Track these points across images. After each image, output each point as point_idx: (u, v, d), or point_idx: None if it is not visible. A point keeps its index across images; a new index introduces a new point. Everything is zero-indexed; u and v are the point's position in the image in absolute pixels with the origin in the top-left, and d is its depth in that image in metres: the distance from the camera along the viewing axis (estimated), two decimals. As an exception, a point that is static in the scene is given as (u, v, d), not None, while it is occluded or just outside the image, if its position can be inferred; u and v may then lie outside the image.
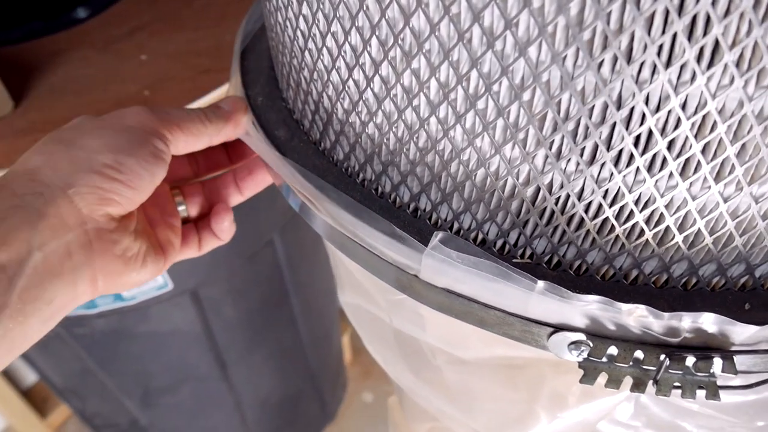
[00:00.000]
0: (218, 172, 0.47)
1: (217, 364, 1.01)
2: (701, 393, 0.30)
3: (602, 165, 0.27)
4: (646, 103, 0.25)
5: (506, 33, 0.25)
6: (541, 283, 0.29)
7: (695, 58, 0.23)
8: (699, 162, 0.26)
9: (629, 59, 0.24)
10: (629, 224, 0.29)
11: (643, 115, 0.25)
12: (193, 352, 0.97)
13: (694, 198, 0.27)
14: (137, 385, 1.02)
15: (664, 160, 0.26)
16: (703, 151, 0.26)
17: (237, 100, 0.41)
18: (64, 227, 0.33)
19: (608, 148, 0.26)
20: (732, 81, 0.23)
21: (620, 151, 0.26)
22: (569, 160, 0.27)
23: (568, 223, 0.30)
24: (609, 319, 0.29)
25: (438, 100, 0.29)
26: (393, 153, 0.33)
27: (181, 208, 0.45)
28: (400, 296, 0.36)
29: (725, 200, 0.27)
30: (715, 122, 0.25)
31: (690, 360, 0.29)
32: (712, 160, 0.26)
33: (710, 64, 0.23)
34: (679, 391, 0.31)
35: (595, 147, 0.27)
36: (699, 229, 0.28)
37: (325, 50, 0.33)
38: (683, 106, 0.24)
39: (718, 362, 0.29)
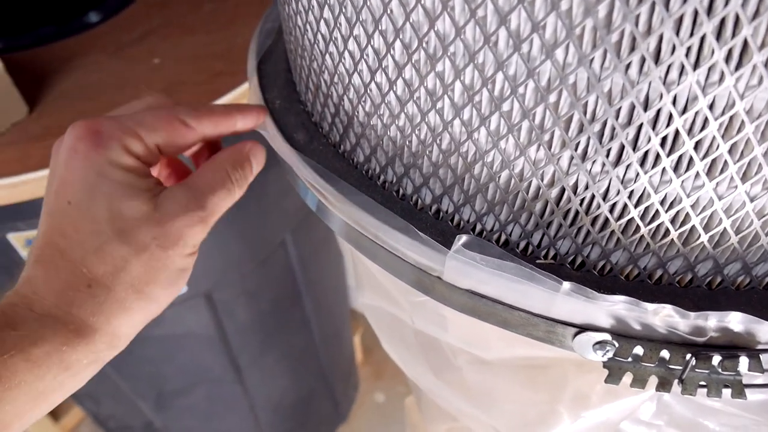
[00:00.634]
0: None
1: (231, 367, 1.02)
2: (727, 392, 0.31)
3: (628, 166, 0.27)
4: (674, 104, 0.25)
5: (533, 36, 0.25)
6: (566, 284, 0.29)
7: (724, 59, 0.23)
8: (726, 162, 0.26)
9: (657, 61, 0.24)
10: (654, 224, 0.29)
11: (671, 116, 0.25)
12: (207, 354, 0.98)
13: (720, 198, 0.27)
14: (151, 387, 1.02)
15: (691, 160, 0.26)
16: (730, 151, 0.26)
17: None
18: None
19: (634, 149, 0.26)
20: (761, 81, 0.23)
21: (646, 152, 0.26)
22: (595, 161, 0.27)
23: (593, 224, 0.30)
24: (634, 319, 0.29)
25: (462, 103, 0.29)
26: (415, 155, 0.33)
27: None
28: (423, 298, 0.36)
29: (752, 200, 0.27)
30: (743, 122, 0.25)
31: (716, 359, 0.29)
32: (739, 160, 0.26)
33: (738, 65, 0.23)
34: (705, 390, 0.31)
35: (622, 148, 0.27)
36: (725, 229, 0.28)
37: (347, 53, 0.33)
38: (711, 107, 0.24)
39: (744, 361, 0.29)
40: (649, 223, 0.29)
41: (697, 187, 0.27)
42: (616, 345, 0.30)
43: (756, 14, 0.22)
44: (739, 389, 0.30)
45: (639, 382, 0.31)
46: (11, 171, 0.61)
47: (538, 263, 0.32)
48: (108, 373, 0.97)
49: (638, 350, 0.30)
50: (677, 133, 0.25)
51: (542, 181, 0.29)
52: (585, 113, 0.26)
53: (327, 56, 0.35)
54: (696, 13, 0.22)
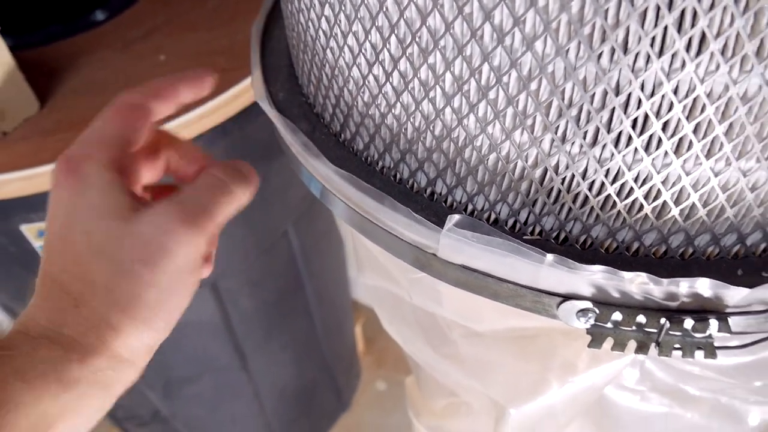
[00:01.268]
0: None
1: (237, 355, 1.04)
2: (699, 353, 0.33)
3: (603, 146, 0.30)
4: (642, 89, 0.27)
5: (515, 30, 0.28)
6: (550, 257, 0.32)
7: (684, 47, 0.26)
8: (691, 141, 0.29)
9: (626, 50, 0.27)
10: (629, 200, 0.31)
11: (640, 100, 0.28)
12: (213, 343, 1.00)
13: (687, 174, 0.30)
14: (159, 376, 1.05)
15: (660, 140, 0.29)
16: (695, 131, 0.28)
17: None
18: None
19: (608, 131, 0.29)
20: (718, 67, 0.26)
21: (619, 133, 0.29)
22: (573, 143, 0.30)
23: (574, 201, 0.33)
24: (613, 287, 0.32)
25: (453, 92, 0.32)
26: (410, 142, 0.36)
27: None
28: (420, 274, 0.39)
29: (716, 175, 0.30)
30: (704, 105, 0.27)
31: (688, 322, 0.32)
32: (702, 138, 0.28)
33: (698, 53, 0.26)
34: (680, 352, 0.33)
35: (597, 130, 0.29)
36: (693, 203, 0.31)
37: (346, 48, 0.36)
38: (675, 91, 0.27)
39: (714, 323, 0.32)
40: (625, 198, 0.31)
41: (666, 164, 0.30)
42: (597, 312, 0.33)
43: (711, 6, 0.25)
44: (711, 351, 0.33)
45: (619, 346, 0.34)
46: (24, 164, 0.63)
47: (525, 239, 0.34)
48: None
49: (617, 316, 0.33)
50: (646, 115, 0.28)
51: (527, 162, 0.32)
52: (563, 99, 0.29)
53: (328, 51, 0.38)
54: (658, 7, 0.25)
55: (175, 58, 0.75)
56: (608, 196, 0.32)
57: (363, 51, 0.35)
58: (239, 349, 1.03)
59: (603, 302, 0.33)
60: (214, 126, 0.69)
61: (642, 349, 0.34)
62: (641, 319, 0.33)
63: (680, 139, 0.29)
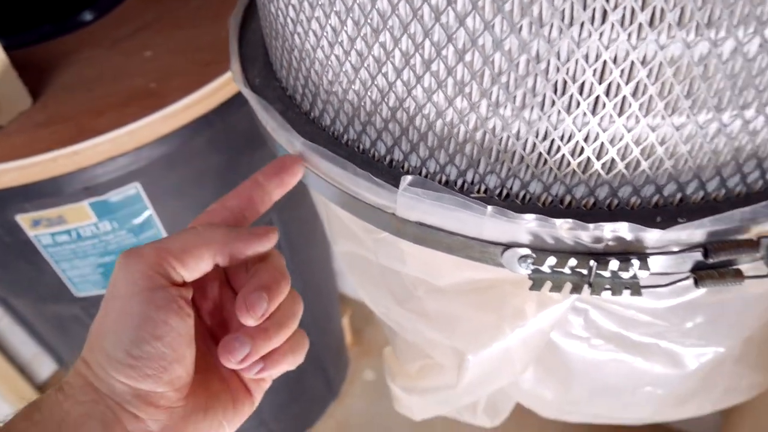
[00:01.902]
0: None
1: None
2: (627, 292, 0.38)
3: (531, 109, 0.34)
4: (558, 57, 0.32)
5: (448, 9, 0.32)
6: (490, 208, 0.36)
7: (589, 19, 0.30)
8: (604, 101, 0.33)
9: (541, 24, 0.31)
10: (558, 156, 0.36)
11: (558, 67, 0.32)
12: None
13: (604, 131, 0.34)
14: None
15: (578, 101, 0.33)
16: (606, 92, 0.33)
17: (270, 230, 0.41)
18: None
19: (534, 95, 0.34)
20: (618, 36, 0.31)
21: (544, 97, 0.34)
22: (506, 107, 0.35)
23: (511, 160, 0.37)
24: (547, 234, 0.37)
25: (401, 66, 0.36)
26: (369, 114, 0.41)
27: None
28: (383, 234, 0.43)
29: (629, 131, 0.34)
30: (611, 69, 0.32)
31: (614, 263, 0.37)
32: (613, 98, 0.33)
33: (602, 23, 0.31)
34: (610, 292, 0.38)
35: (524, 95, 0.34)
36: (613, 158, 0.36)
37: (311, 33, 0.40)
38: (586, 58, 0.32)
39: (636, 263, 0.36)
40: (554, 155, 0.36)
41: (586, 123, 0.34)
42: (535, 257, 0.38)
43: (608, -16, 0.29)
44: (637, 289, 0.38)
45: (557, 288, 0.38)
46: (19, 154, 0.67)
47: (472, 197, 0.39)
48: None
49: (552, 261, 0.37)
50: (564, 80, 0.33)
51: (468, 126, 0.37)
52: (493, 68, 0.34)
53: (296, 36, 0.42)
54: (565, -14, 0.30)
55: (161, 53, 0.79)
56: (540, 154, 0.36)
57: (325, 34, 0.39)
58: (229, 335, 1.07)
59: (540, 248, 0.38)
60: (197, 117, 0.73)
61: (576, 289, 0.38)
62: (573, 262, 0.37)
63: (596, 99, 0.33)
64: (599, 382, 0.53)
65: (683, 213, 0.38)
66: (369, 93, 0.39)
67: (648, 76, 0.32)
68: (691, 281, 0.38)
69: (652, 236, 0.36)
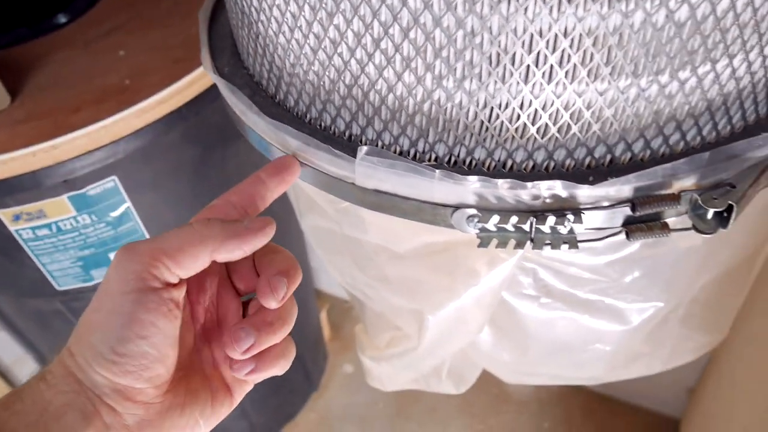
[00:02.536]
0: None
1: (206, 332, 1.12)
2: (565, 246, 0.42)
3: (471, 80, 0.38)
4: (490, 31, 0.36)
5: (392, -10, 0.36)
6: (438, 172, 0.40)
7: (515, -4, 0.35)
8: (533, 71, 0.37)
9: (473, 1, 0.35)
10: (497, 123, 0.40)
11: (491, 41, 0.36)
12: (183, 320, 1.07)
13: (536, 98, 0.39)
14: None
15: (511, 71, 0.38)
16: (536, 62, 0.37)
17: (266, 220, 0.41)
18: (113, 428, 0.36)
19: (472, 67, 0.38)
20: (541, 10, 0.35)
21: (480, 69, 0.38)
22: (448, 79, 0.39)
23: (456, 129, 0.41)
24: (490, 194, 0.41)
25: (354, 46, 0.40)
26: (328, 93, 0.44)
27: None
28: (345, 204, 0.47)
29: (558, 97, 0.38)
30: (537, 40, 0.36)
31: (551, 219, 0.41)
32: (542, 67, 0.37)
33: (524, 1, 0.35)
34: (550, 246, 0.42)
35: (464, 67, 0.38)
36: (546, 123, 0.40)
37: (272, 19, 0.44)
38: (515, 31, 0.36)
39: (571, 217, 0.41)
40: (494, 122, 0.40)
41: (519, 91, 0.38)
42: (480, 215, 0.41)
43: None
44: (574, 243, 0.42)
45: (502, 244, 0.42)
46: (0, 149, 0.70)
47: (423, 165, 0.43)
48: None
49: (495, 218, 0.41)
50: (498, 52, 0.37)
51: (416, 99, 0.41)
52: (435, 44, 0.37)
53: (259, 24, 0.46)
54: (492, -34, 0.34)
55: (135, 52, 0.82)
56: (481, 122, 0.40)
57: (285, 20, 0.43)
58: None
59: (485, 208, 0.42)
60: (171, 111, 0.77)
61: (520, 245, 0.42)
62: (515, 219, 0.41)
63: (526, 70, 0.37)
64: (552, 341, 0.57)
65: (613, 173, 0.42)
66: (327, 73, 0.43)
67: (570, 46, 0.36)
68: (623, 235, 0.42)
69: (583, 192, 0.40)
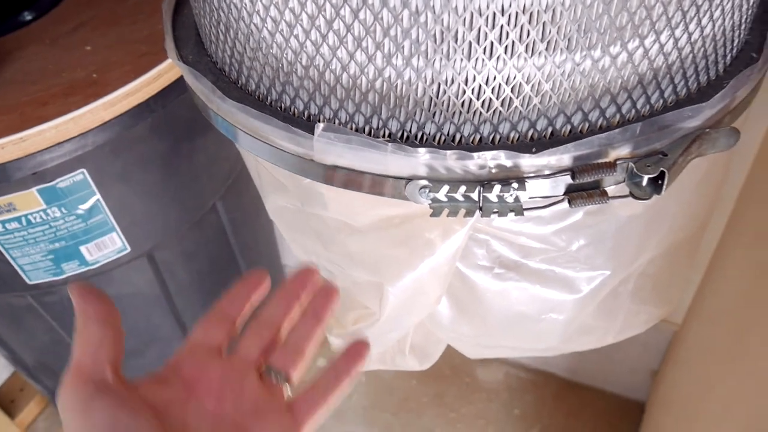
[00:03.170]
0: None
1: (178, 326, 1.13)
2: (512, 214, 0.45)
3: (418, 57, 0.41)
4: (433, 11, 0.39)
5: (342, -27, 0.39)
6: (390, 145, 0.43)
7: (455, -23, 0.37)
8: (475, 47, 0.40)
9: (417, -18, 0.38)
10: (445, 98, 0.43)
11: (434, 19, 0.39)
12: (155, 314, 1.09)
13: (479, 73, 0.41)
14: (107, 351, 1.13)
15: (454, 48, 0.40)
16: (477, 39, 0.40)
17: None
18: None
19: (418, 45, 0.41)
20: (479, -11, 0.38)
21: (426, 46, 0.41)
22: (396, 57, 0.42)
23: (407, 105, 0.44)
24: (440, 165, 0.43)
25: (309, 27, 0.43)
26: (287, 74, 0.47)
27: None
28: (306, 180, 0.49)
29: (499, 72, 0.41)
30: (477, 18, 0.39)
31: (497, 188, 0.44)
32: (483, 43, 0.40)
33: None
34: (497, 214, 0.45)
35: (410, 46, 0.41)
36: (489, 97, 0.43)
37: (232, 6, 0.46)
38: (456, 10, 0.39)
39: (515, 185, 0.43)
40: (441, 97, 0.43)
41: (463, 67, 0.41)
42: (431, 186, 0.44)
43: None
44: (520, 210, 0.45)
45: (453, 213, 0.45)
46: (-29, 144, 0.72)
47: (377, 140, 0.45)
48: (65, 341, 1.07)
49: (445, 188, 0.44)
50: (441, 30, 0.40)
51: (369, 77, 0.43)
52: (383, 24, 0.40)
53: (220, 11, 0.48)
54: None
55: (101, 48, 0.84)
56: (430, 98, 0.43)
57: (244, 5, 0.45)
58: (180, 320, 1.12)
59: (435, 179, 0.44)
60: (139, 103, 0.78)
61: (469, 213, 0.45)
62: (463, 189, 0.44)
63: (469, 46, 0.40)
64: (508, 312, 0.60)
65: (555, 144, 0.45)
66: (285, 55, 0.46)
67: (507, 23, 0.39)
68: (565, 203, 0.45)
69: (526, 161, 0.43)
